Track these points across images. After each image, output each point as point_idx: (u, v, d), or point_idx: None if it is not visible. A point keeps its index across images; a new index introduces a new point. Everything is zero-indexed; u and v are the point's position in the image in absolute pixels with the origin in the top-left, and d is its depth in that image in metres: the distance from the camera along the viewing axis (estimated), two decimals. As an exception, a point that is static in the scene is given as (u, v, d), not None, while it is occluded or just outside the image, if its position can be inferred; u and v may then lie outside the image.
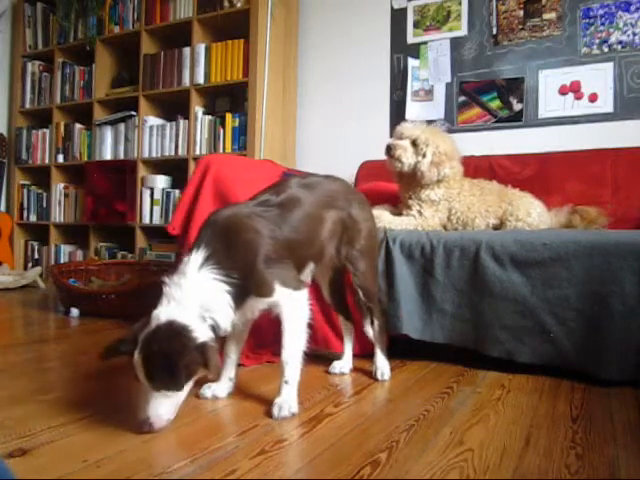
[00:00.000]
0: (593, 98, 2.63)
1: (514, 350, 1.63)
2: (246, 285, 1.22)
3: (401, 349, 1.78)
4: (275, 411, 1.23)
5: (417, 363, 1.74)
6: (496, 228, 2.05)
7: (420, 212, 2.05)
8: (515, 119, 2.80)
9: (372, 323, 1.61)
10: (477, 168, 2.49)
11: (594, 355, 1.54)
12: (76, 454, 1.01)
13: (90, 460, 0.98)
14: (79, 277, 2.83)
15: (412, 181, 2.06)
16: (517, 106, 2.79)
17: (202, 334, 1.13)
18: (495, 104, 2.85)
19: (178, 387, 1.12)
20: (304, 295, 1.32)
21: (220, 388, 1.39)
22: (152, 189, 3.47)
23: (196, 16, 3.29)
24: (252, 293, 1.24)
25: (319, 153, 3.36)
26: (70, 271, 2.83)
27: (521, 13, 2.79)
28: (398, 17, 3.10)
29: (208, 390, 1.38)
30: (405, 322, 1.74)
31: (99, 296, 2.54)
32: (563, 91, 2.69)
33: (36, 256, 4.04)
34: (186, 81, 3.35)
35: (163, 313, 1.14)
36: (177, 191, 3.42)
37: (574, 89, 2.67)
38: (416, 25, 3.05)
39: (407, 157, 2.03)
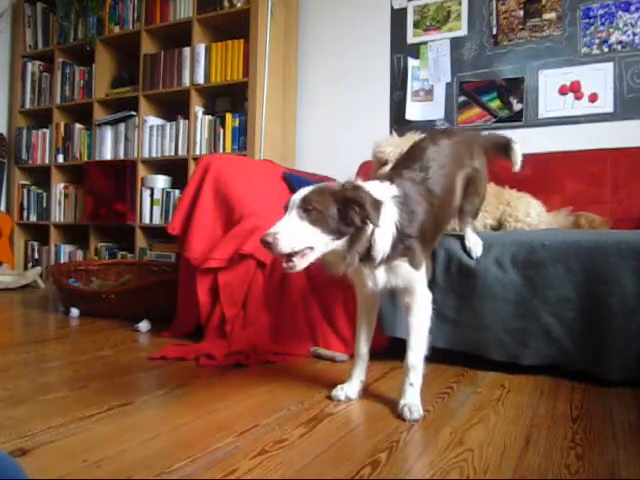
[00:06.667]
0: (593, 98, 2.63)
1: (519, 353, 1.62)
2: (401, 246, 1.24)
3: (401, 349, 1.77)
4: (407, 413, 1.23)
5: (417, 363, 1.74)
6: (494, 229, 2.04)
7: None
8: (515, 119, 2.80)
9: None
10: (477, 168, 2.48)
11: (594, 355, 1.53)
12: (76, 454, 1.01)
13: (90, 460, 0.98)
14: (79, 277, 2.83)
15: None
16: (517, 106, 2.79)
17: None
18: (495, 104, 2.85)
19: (338, 225, 1.15)
20: (431, 297, 1.35)
21: (352, 389, 1.38)
22: (152, 189, 3.47)
23: (196, 16, 3.29)
24: (402, 256, 1.25)
25: (319, 153, 3.35)
26: (70, 271, 2.83)
27: (521, 13, 2.79)
28: (398, 17, 3.10)
29: (341, 392, 1.37)
30: (403, 326, 1.72)
31: (99, 296, 2.53)
32: (563, 91, 2.69)
33: (36, 256, 4.04)
34: (186, 81, 3.35)
35: None
36: (177, 191, 3.42)
37: (574, 89, 2.67)
38: (416, 25, 3.05)
39: None
